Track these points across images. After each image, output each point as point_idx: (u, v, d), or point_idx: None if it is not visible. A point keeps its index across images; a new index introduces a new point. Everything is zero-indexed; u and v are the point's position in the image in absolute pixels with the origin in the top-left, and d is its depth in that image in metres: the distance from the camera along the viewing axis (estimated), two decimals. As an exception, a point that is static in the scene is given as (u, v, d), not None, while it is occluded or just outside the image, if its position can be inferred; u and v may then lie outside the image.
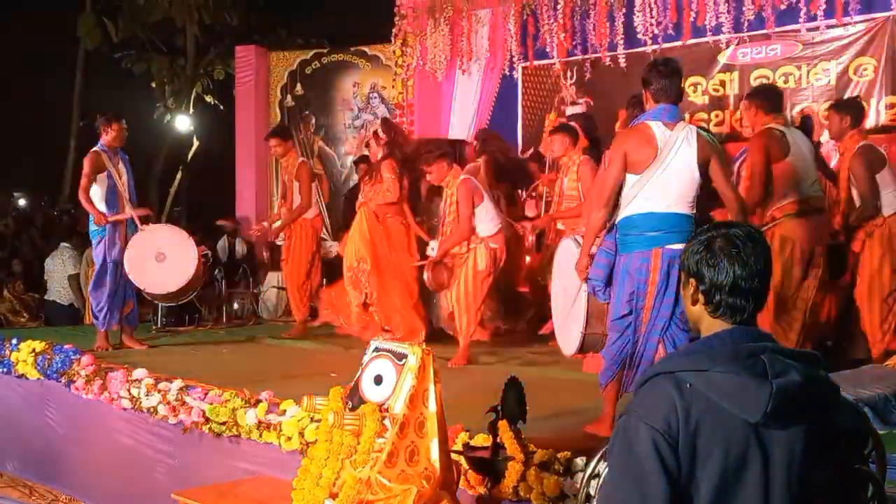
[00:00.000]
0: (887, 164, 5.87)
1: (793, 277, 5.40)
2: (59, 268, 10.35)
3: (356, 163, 9.97)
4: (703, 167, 4.15)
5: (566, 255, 5.11)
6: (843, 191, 5.93)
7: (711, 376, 1.96)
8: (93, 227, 7.12)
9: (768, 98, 5.68)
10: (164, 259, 7.07)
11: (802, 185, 5.44)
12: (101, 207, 7.03)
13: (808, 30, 7.58)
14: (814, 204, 5.48)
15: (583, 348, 4.94)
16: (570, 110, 9.04)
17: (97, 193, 7.04)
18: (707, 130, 5.02)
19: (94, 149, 7.13)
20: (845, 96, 7.49)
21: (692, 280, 2.17)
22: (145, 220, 7.21)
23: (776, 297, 5.27)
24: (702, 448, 1.93)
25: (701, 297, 2.15)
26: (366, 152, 8.82)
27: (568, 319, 5.03)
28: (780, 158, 5.38)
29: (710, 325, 2.15)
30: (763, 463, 1.96)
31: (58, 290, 10.41)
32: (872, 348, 5.79)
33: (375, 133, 7.66)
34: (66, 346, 6.34)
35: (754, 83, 8.00)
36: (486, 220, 6.51)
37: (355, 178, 10.06)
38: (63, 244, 10.47)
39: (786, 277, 5.37)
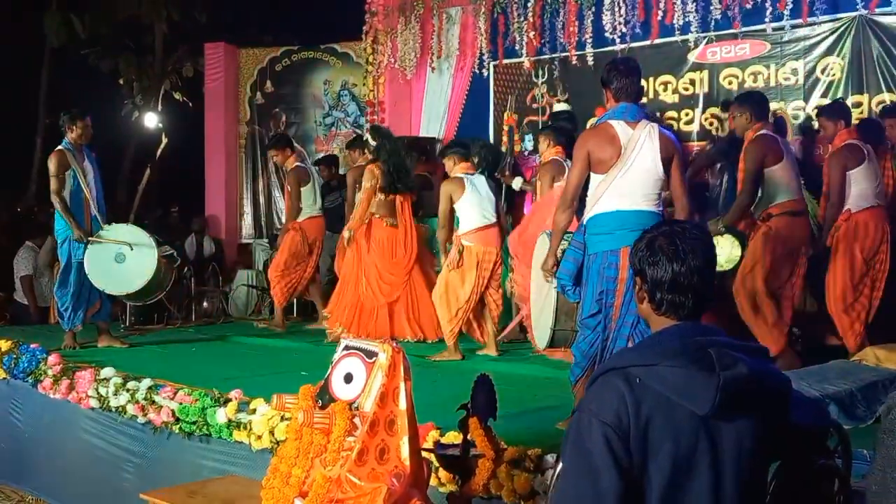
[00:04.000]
0: (865, 161, 5.94)
1: (781, 275, 5.60)
2: (19, 267, 10.14)
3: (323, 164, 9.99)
4: (667, 164, 4.19)
5: (543, 250, 5.14)
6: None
7: (660, 370, 1.99)
8: (58, 226, 7.03)
9: (760, 103, 5.84)
10: (123, 259, 6.97)
11: (795, 185, 5.66)
12: None
13: (774, 29, 7.66)
14: (802, 205, 5.73)
15: (553, 343, 4.98)
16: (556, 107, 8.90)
17: None
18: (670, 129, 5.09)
19: (59, 147, 7.00)
20: (812, 95, 7.60)
21: (637, 278, 2.21)
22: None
23: (762, 290, 5.45)
24: (653, 441, 1.96)
25: (646, 294, 2.18)
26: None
27: (541, 314, 5.06)
28: (776, 162, 5.58)
29: (658, 322, 2.18)
30: (713, 455, 1.98)
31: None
32: (844, 336, 5.89)
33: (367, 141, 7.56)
34: (32, 346, 6.27)
35: (724, 82, 8.10)
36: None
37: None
38: (27, 243, 10.18)
39: (773, 273, 5.54)
